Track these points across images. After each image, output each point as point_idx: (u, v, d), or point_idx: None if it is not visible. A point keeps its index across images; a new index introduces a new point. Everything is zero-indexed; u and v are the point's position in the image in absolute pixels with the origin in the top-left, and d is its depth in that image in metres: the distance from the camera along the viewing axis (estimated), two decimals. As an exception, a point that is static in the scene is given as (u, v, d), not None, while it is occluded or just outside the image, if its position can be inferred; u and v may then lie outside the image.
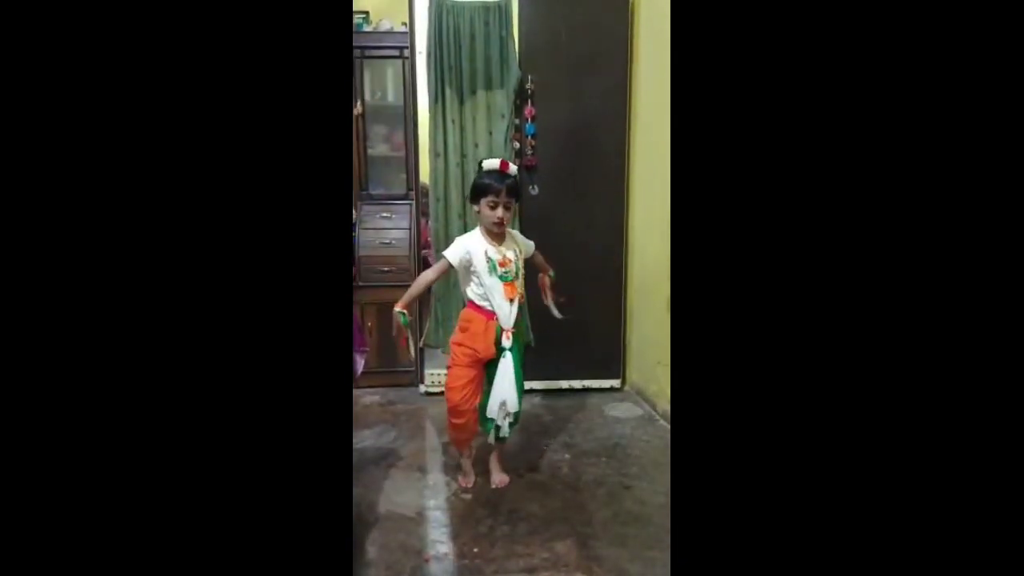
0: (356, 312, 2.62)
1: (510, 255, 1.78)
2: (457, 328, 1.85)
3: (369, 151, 2.93)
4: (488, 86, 2.53)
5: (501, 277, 1.75)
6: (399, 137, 2.89)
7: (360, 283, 2.71)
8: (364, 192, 2.92)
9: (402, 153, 2.87)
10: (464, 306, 1.87)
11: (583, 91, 2.60)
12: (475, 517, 1.73)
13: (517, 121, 2.58)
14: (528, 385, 1.81)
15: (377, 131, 2.94)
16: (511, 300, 1.77)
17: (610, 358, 2.79)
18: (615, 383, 2.80)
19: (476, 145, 2.55)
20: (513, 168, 1.77)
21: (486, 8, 2.48)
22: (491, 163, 1.76)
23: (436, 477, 1.99)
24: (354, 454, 2.07)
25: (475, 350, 1.78)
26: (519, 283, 1.81)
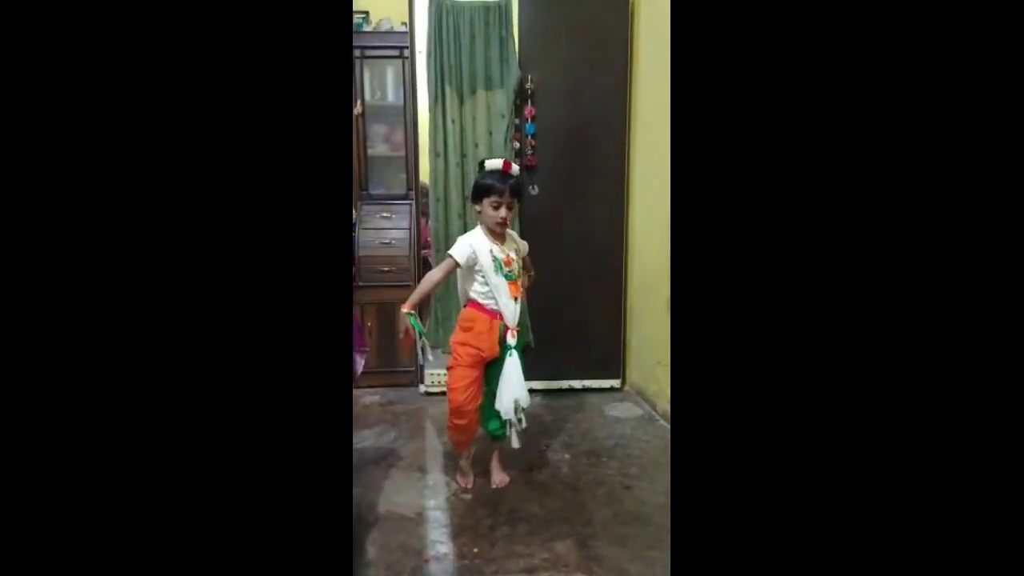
0: (356, 312, 2.62)
1: (512, 254, 1.79)
2: (458, 328, 1.84)
3: (369, 151, 2.93)
4: (488, 86, 2.53)
5: (506, 276, 1.76)
6: (399, 137, 2.90)
7: (360, 283, 2.71)
8: (364, 192, 2.92)
9: (402, 153, 2.87)
10: (464, 306, 1.87)
11: (583, 91, 2.60)
12: (475, 517, 1.73)
13: (517, 121, 2.58)
14: (528, 385, 1.81)
15: (377, 131, 2.94)
16: (515, 299, 1.77)
17: (610, 358, 2.79)
18: (615, 383, 2.80)
19: (476, 145, 2.55)
20: (516, 168, 1.77)
21: (486, 8, 2.48)
22: (494, 163, 1.76)
23: (436, 477, 1.99)
24: (354, 454, 2.07)
25: (479, 349, 1.77)
26: (520, 282, 1.82)
